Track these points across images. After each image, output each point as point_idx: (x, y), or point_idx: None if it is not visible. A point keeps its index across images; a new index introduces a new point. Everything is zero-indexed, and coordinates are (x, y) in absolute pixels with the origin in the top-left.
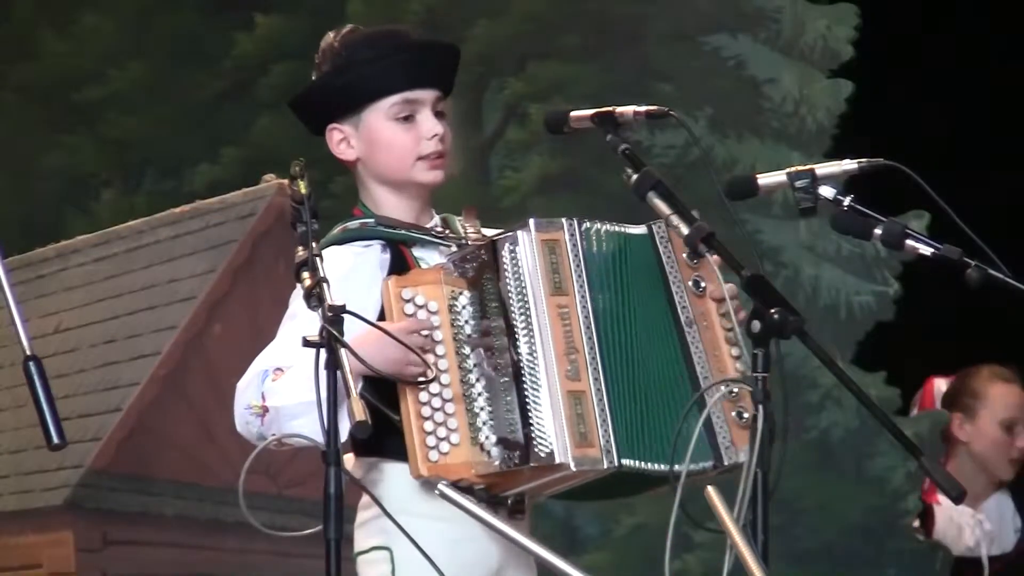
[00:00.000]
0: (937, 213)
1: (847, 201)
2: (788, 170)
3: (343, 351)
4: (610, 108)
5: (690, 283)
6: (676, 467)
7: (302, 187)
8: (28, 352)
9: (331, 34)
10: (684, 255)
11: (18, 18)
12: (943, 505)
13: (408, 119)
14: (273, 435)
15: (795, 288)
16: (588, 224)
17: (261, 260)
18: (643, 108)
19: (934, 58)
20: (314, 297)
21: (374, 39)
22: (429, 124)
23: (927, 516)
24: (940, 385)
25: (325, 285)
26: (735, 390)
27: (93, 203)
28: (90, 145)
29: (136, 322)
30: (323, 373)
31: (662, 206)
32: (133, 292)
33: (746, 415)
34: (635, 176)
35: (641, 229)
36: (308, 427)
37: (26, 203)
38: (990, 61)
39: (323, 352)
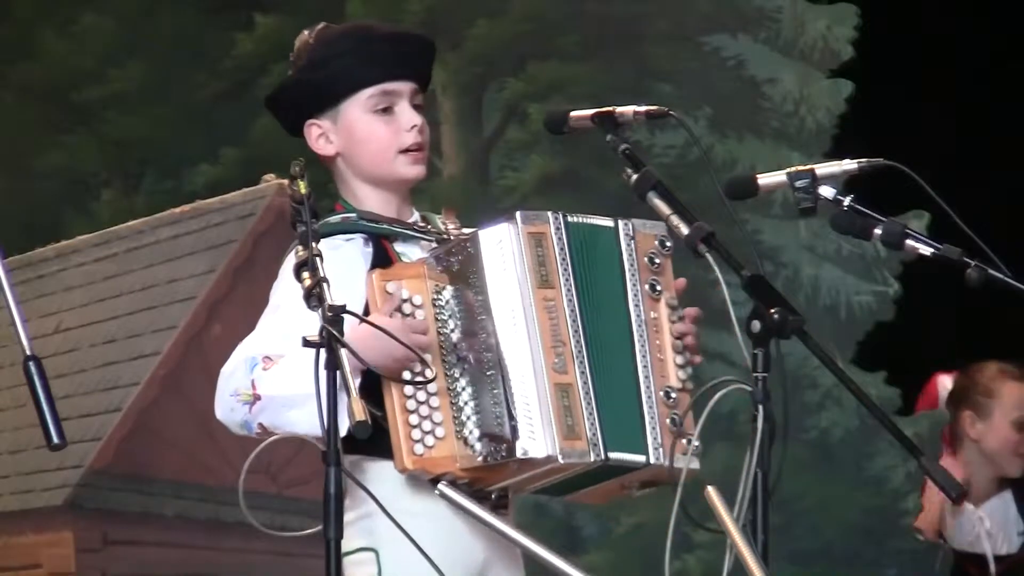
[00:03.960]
0: (937, 213)
1: (847, 201)
2: (788, 170)
3: (343, 351)
4: (610, 108)
5: (647, 286)
6: (673, 463)
7: (302, 187)
8: (28, 352)
9: (305, 32)
10: (646, 258)
11: (18, 18)
12: (944, 500)
13: (387, 111)
14: (260, 424)
15: (795, 288)
16: (572, 218)
17: (261, 260)
18: (643, 108)
19: (934, 58)
20: (314, 297)
21: (348, 33)
22: (408, 115)
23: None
24: (945, 382)
25: (325, 285)
26: (673, 395)
27: (93, 203)
28: (90, 145)
29: (136, 322)
30: (323, 373)
31: (662, 206)
32: (133, 292)
33: (681, 419)
34: (635, 176)
35: (608, 222)
36: (304, 418)
37: (26, 203)
38: (990, 61)
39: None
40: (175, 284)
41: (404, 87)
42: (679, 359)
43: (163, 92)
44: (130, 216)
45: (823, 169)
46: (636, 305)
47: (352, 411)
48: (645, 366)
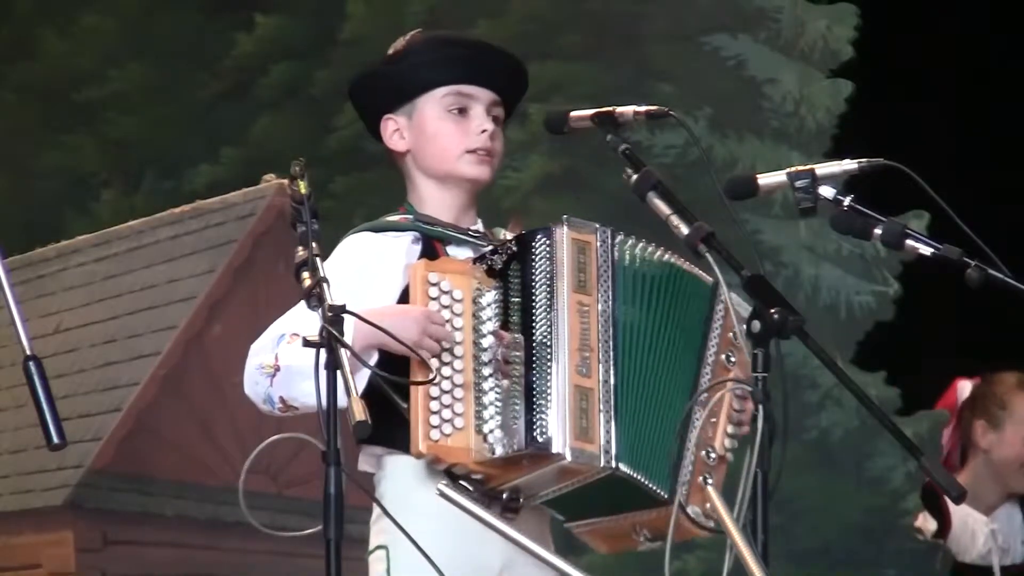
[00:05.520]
0: (937, 213)
1: (847, 201)
2: (788, 170)
3: (343, 351)
4: (610, 108)
5: (723, 355)
6: (689, 513)
7: (302, 187)
8: (28, 352)
9: (402, 38)
10: (731, 334)
11: (18, 18)
12: (958, 509)
13: (461, 113)
14: (280, 397)
15: (795, 288)
16: (624, 237)
17: (261, 260)
18: (643, 108)
19: (934, 58)
20: (314, 297)
21: (434, 36)
22: (480, 120)
23: (944, 519)
24: (964, 388)
25: (325, 285)
26: (713, 456)
27: (93, 203)
28: (90, 145)
29: (136, 322)
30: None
31: (662, 206)
32: (133, 292)
33: (712, 480)
34: (635, 176)
35: (707, 280)
36: (315, 390)
37: (26, 203)
38: (990, 61)
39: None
40: (175, 284)
41: (481, 93)
42: (731, 429)
43: (163, 92)
44: (130, 216)
45: (823, 169)
46: (709, 364)
47: (352, 411)
48: (698, 418)
